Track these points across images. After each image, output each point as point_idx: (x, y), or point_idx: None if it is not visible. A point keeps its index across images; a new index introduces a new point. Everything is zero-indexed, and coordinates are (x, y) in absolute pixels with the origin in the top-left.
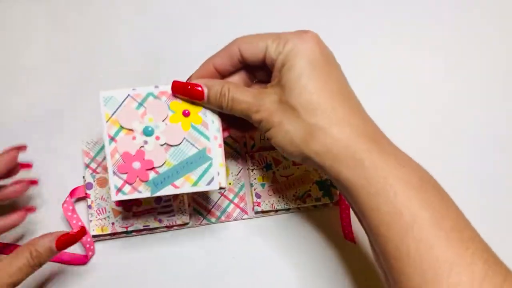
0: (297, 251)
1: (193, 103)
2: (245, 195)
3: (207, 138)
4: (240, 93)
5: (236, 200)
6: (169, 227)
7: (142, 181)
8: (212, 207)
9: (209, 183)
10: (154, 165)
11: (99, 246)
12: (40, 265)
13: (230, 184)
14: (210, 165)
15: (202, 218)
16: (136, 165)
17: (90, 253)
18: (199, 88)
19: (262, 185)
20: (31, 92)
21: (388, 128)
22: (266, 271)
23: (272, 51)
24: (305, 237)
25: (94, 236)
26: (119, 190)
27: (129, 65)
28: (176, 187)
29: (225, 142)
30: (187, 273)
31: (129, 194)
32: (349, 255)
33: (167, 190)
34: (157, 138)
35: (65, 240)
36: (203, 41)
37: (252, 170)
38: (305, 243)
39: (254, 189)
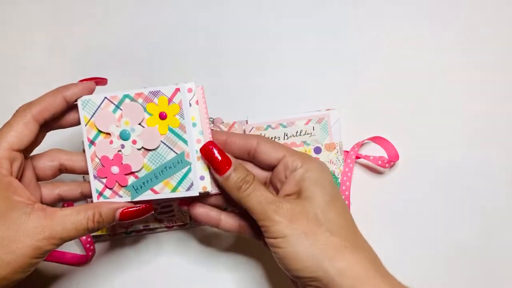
0: None
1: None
2: None
3: (185, 142)
4: (262, 185)
5: None
6: (169, 227)
7: (121, 186)
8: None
9: (188, 189)
10: (132, 170)
11: (99, 246)
12: (96, 230)
13: None
14: (189, 170)
15: None
16: (115, 169)
17: (90, 253)
18: (226, 167)
19: None
20: (31, 92)
21: (391, 127)
22: (266, 271)
23: (290, 161)
24: None
25: (94, 236)
26: (100, 194)
27: (130, 64)
28: (155, 192)
29: None
30: (187, 273)
31: (110, 198)
32: None
33: (147, 196)
34: (134, 142)
35: (131, 213)
36: (204, 41)
37: None
38: None
39: None
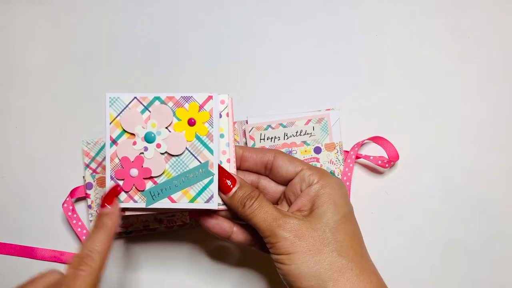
0: None
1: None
2: None
3: (211, 151)
4: (267, 202)
5: None
6: (169, 227)
7: (139, 190)
8: None
9: (207, 201)
10: (152, 174)
11: None
12: None
13: None
14: (211, 181)
15: None
16: (134, 172)
17: None
18: (229, 183)
19: None
20: (31, 92)
21: (391, 127)
22: (267, 271)
23: (307, 174)
24: None
25: None
26: None
27: (129, 65)
28: (173, 201)
29: None
30: (187, 273)
31: (124, 202)
32: None
33: (163, 204)
34: (158, 145)
35: None
36: (204, 41)
37: None
38: None
39: None
